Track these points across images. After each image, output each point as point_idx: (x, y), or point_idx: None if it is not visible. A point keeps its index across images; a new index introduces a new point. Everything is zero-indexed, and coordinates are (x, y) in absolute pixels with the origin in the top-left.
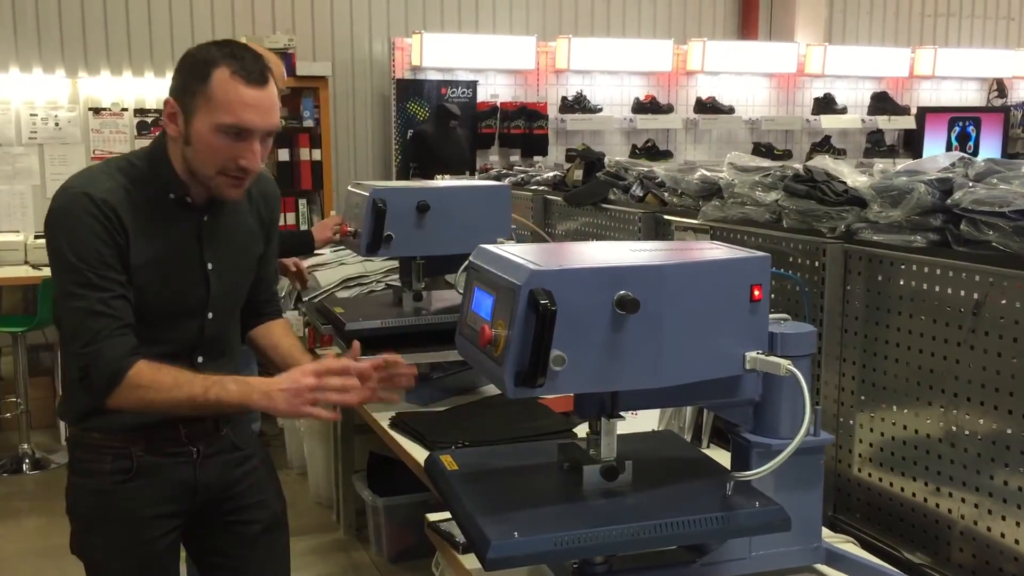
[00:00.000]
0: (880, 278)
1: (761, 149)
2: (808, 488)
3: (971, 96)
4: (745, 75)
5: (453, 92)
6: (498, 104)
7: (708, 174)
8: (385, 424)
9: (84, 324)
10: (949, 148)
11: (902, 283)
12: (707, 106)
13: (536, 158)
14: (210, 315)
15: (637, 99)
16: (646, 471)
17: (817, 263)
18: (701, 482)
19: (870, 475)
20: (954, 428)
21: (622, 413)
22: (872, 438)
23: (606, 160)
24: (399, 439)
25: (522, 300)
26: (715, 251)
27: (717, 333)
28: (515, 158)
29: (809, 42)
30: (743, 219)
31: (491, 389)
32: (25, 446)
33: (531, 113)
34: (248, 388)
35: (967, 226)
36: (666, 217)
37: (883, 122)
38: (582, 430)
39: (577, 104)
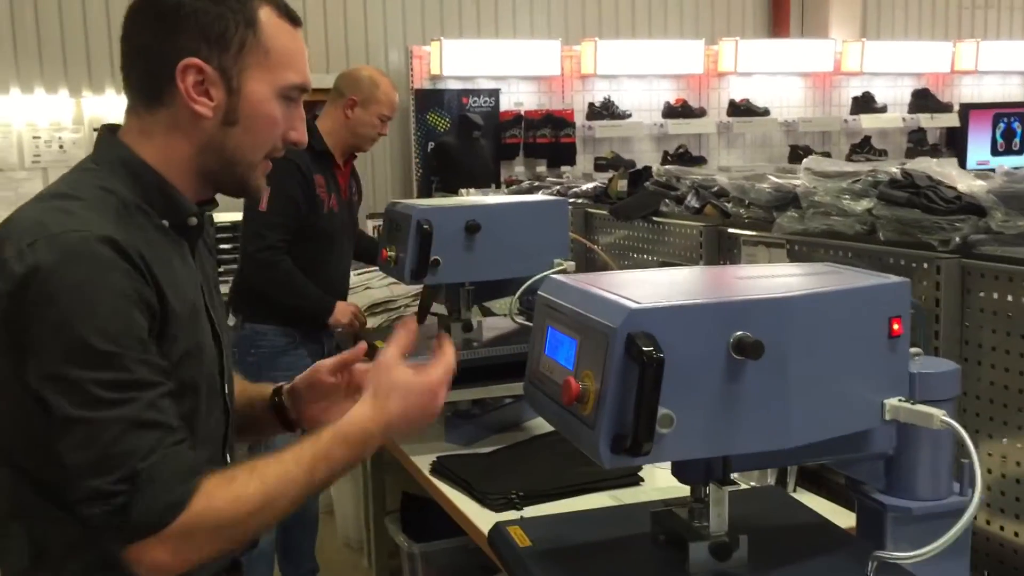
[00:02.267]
0: (1010, 298)
1: (799, 152)
2: (956, 557)
3: (1014, 91)
4: (779, 75)
5: (475, 101)
6: (522, 112)
7: (780, 181)
8: (425, 469)
9: (123, 444)
10: (994, 146)
11: None
12: (740, 108)
13: (564, 168)
14: (227, 388)
15: (667, 103)
16: (762, 546)
17: (926, 282)
18: (831, 560)
19: (1002, 528)
20: None
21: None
22: (1004, 486)
23: (654, 169)
24: (442, 487)
25: (618, 346)
26: (840, 276)
27: (852, 378)
28: (541, 169)
29: (844, 38)
30: (827, 232)
31: (539, 424)
32: None
33: (557, 121)
34: (355, 431)
35: None
36: (732, 231)
37: (925, 120)
38: (650, 473)
39: (605, 110)
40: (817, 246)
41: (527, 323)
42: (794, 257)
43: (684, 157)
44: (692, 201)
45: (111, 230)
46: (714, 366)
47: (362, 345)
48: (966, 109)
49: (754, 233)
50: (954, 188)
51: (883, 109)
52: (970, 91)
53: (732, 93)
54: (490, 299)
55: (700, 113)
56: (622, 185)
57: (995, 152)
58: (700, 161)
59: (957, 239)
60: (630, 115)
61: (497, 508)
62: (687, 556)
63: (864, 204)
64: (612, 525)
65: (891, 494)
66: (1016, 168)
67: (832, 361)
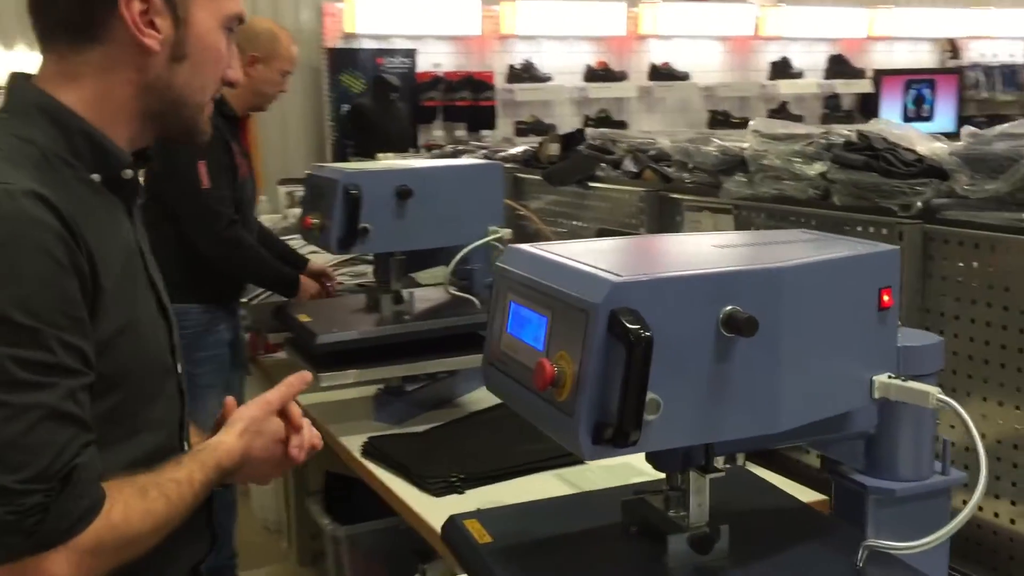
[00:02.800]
0: (976, 265)
1: (718, 117)
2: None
3: (924, 58)
4: (700, 38)
5: (391, 62)
6: (441, 74)
7: (727, 144)
8: (355, 450)
9: (37, 435)
10: (905, 112)
11: (1010, 272)
12: (662, 72)
13: (484, 132)
14: (179, 367)
15: (589, 66)
16: (742, 534)
17: None
18: (816, 548)
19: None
20: None
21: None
22: (968, 459)
23: (587, 132)
24: (376, 471)
25: (599, 325)
26: (825, 244)
27: (842, 355)
28: (461, 133)
29: (763, 3)
30: (778, 197)
31: (474, 399)
32: None
33: (477, 83)
34: (229, 463)
35: None
36: (674, 196)
37: (840, 86)
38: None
39: (526, 73)
40: (767, 211)
41: (462, 295)
42: (742, 223)
43: (605, 121)
44: (629, 165)
45: (34, 184)
46: (702, 345)
47: (306, 375)
48: (879, 75)
49: (699, 198)
50: (913, 150)
51: (799, 75)
52: (883, 57)
53: (653, 57)
54: (420, 269)
55: (621, 77)
56: (554, 149)
57: (906, 118)
58: (621, 126)
59: (919, 203)
60: (551, 78)
61: (437, 492)
62: (665, 549)
63: (817, 168)
64: (577, 515)
65: (871, 475)
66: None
67: (823, 336)
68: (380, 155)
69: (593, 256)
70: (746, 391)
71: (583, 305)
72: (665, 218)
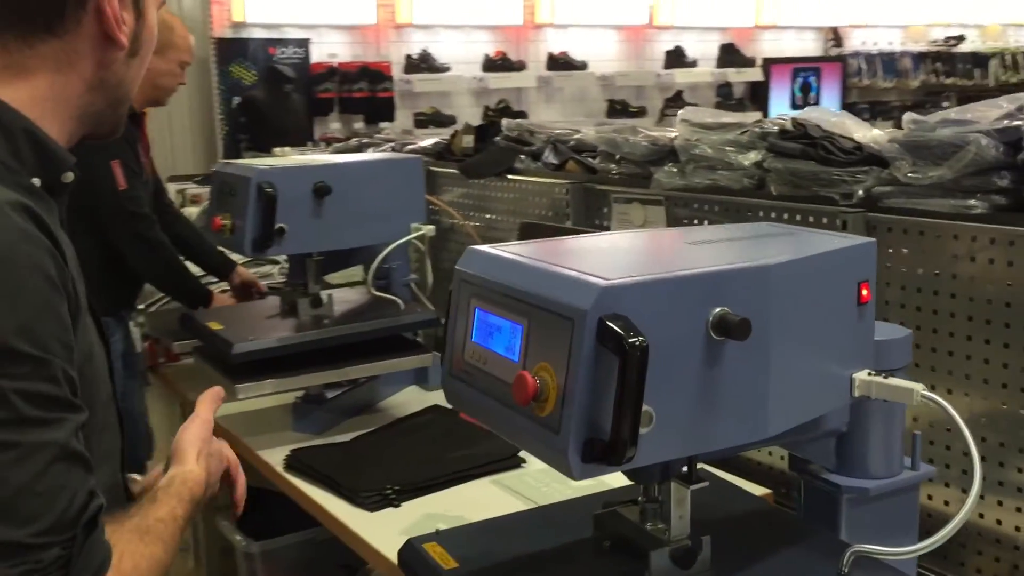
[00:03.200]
0: (921, 253)
1: (615, 107)
2: (897, 536)
3: (810, 46)
4: (596, 28)
5: (283, 52)
6: (336, 65)
7: (655, 134)
8: (276, 464)
9: (50, 479)
10: (793, 99)
11: (957, 259)
12: (560, 62)
13: (383, 124)
14: (116, 393)
15: (487, 56)
16: (721, 544)
17: None
18: (799, 555)
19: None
20: None
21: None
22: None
23: (504, 122)
24: (302, 486)
25: (587, 333)
26: (800, 238)
27: (825, 353)
28: (359, 125)
29: None
30: (712, 187)
31: (396, 404)
32: None
33: (374, 74)
34: (199, 494)
35: None
36: (601, 187)
37: (732, 74)
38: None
39: (423, 63)
40: (704, 202)
41: (385, 295)
42: (673, 215)
43: (505, 112)
44: (550, 156)
45: (17, 194)
46: (692, 350)
47: (219, 390)
48: (768, 64)
49: (628, 189)
50: (851, 138)
51: (693, 63)
52: (771, 46)
53: (551, 46)
54: (337, 270)
55: (520, 67)
56: (468, 140)
57: (794, 105)
58: (520, 116)
59: (860, 192)
60: (449, 68)
61: (372, 507)
62: (646, 564)
63: (752, 157)
64: (543, 532)
65: (843, 473)
66: (920, 118)
67: (807, 335)
68: (276, 150)
69: (565, 257)
70: (735, 397)
71: (568, 312)
72: (592, 210)
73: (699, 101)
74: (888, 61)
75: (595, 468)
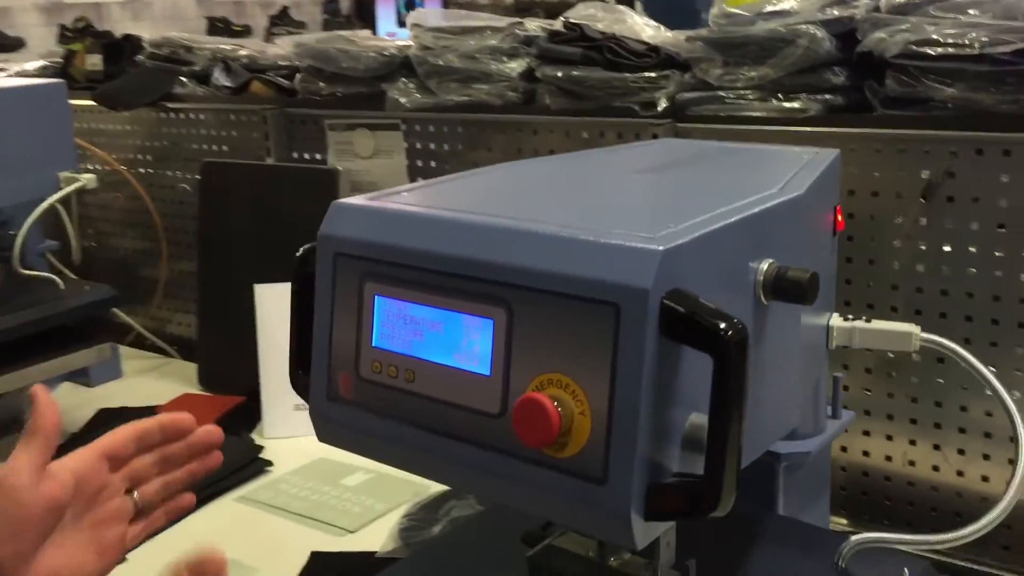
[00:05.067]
0: None
1: (217, 25)
2: (817, 497)
3: None
4: None
5: None
6: None
7: (378, 43)
8: None
9: None
10: (399, 16)
11: None
12: None
13: None
14: None
15: None
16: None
17: None
18: (783, 554)
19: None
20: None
21: None
22: None
23: (146, 38)
24: None
25: (650, 324)
26: (768, 157)
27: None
28: None
29: None
30: (468, 104)
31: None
32: None
33: None
34: None
35: (897, 80)
36: (313, 112)
37: None
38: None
39: None
40: (453, 123)
41: (40, 274)
42: (413, 144)
43: (86, 32)
44: (222, 79)
45: None
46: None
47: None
48: None
49: (350, 112)
50: (640, 40)
51: None
52: None
53: None
54: None
55: None
56: (94, 62)
57: (401, 24)
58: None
59: (664, 100)
60: None
61: None
62: None
63: (516, 66)
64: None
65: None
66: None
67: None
68: None
69: (525, 207)
70: (779, 381)
71: (606, 292)
72: (297, 141)
73: (305, 18)
74: None
75: (659, 527)
